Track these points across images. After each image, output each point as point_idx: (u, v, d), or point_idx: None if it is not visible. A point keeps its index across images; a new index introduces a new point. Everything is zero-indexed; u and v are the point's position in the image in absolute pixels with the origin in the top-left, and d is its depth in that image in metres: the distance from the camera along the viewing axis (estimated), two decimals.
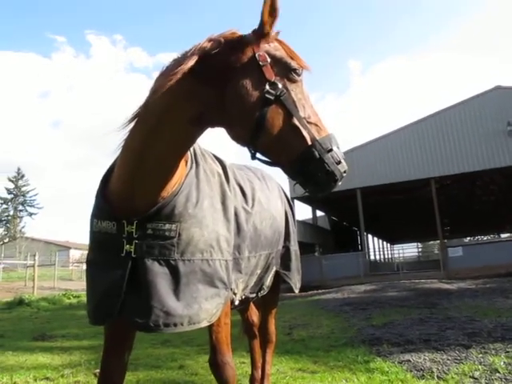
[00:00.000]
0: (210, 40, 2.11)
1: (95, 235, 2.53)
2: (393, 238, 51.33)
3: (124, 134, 2.42)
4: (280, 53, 2.14)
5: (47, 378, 5.60)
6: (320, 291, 19.61)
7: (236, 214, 3.02)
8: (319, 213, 34.76)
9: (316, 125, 2.10)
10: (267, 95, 2.04)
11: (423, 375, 4.96)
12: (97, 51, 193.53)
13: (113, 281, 2.41)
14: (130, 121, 2.34)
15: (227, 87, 2.09)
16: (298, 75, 2.14)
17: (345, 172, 2.06)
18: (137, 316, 2.48)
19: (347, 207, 30.85)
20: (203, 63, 2.07)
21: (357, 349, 6.58)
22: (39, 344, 8.12)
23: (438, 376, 4.88)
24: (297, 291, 4.05)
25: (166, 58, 2.33)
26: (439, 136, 26.60)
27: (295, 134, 2.06)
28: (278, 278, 3.90)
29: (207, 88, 2.11)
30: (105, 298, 2.49)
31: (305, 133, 2.05)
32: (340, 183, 2.07)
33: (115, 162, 2.55)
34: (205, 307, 2.57)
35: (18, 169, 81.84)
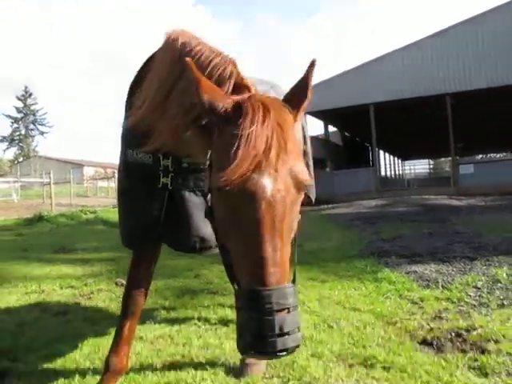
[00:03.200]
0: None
1: (131, 165, 2.59)
2: (404, 155, 50.99)
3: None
4: None
5: (72, 287, 5.96)
6: (331, 206, 19.93)
7: None
8: (331, 128, 34.38)
9: None
10: None
11: (428, 285, 5.19)
12: None
13: (151, 210, 2.56)
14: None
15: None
16: None
17: None
18: (174, 242, 2.67)
19: (360, 123, 30.38)
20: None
21: (366, 260, 6.84)
22: (61, 256, 8.53)
23: (442, 286, 5.11)
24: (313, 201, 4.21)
25: None
26: (456, 51, 25.41)
27: None
28: None
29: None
30: (142, 225, 2.64)
31: None
32: None
33: (137, 79, 2.50)
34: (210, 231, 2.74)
35: (26, 87, 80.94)
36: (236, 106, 1.63)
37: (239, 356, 3.23)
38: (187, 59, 1.70)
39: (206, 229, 2.52)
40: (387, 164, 43.82)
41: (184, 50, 2.00)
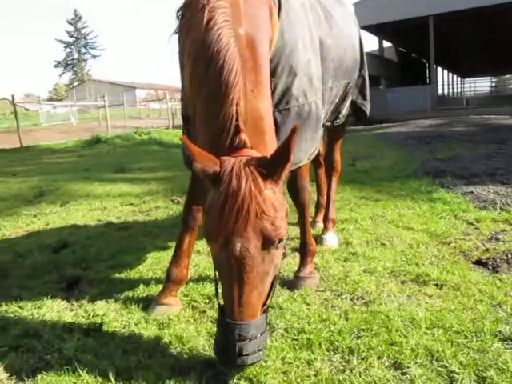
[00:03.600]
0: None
1: None
2: (464, 72, 47.84)
3: None
4: None
5: (131, 204, 6.27)
6: (384, 125, 19.31)
7: (321, 44, 3.04)
8: (386, 44, 32.54)
9: None
10: None
11: (485, 206, 5.04)
12: None
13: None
14: None
15: None
16: None
17: None
18: None
19: (417, 37, 28.51)
20: None
21: (420, 180, 6.69)
22: (120, 176, 8.90)
23: (500, 207, 4.94)
24: (367, 115, 4.15)
25: None
26: None
27: None
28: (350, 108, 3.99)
29: None
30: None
31: None
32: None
33: None
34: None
35: (75, 10, 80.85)
36: (221, 172, 1.89)
37: (293, 269, 3.37)
38: (181, 138, 2.01)
39: None
40: (445, 82, 41.41)
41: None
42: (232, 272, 1.88)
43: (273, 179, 1.92)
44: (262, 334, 1.99)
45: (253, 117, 2.14)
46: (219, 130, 2.07)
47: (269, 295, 2.04)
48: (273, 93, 2.67)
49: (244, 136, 2.05)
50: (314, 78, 2.90)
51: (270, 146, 2.20)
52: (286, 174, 1.98)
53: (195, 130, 2.33)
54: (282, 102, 2.75)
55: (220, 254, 1.92)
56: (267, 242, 1.88)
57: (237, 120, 2.05)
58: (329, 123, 3.71)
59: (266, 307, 2.05)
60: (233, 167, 1.88)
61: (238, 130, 2.05)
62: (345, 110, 3.86)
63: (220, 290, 2.06)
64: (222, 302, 2.03)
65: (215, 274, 2.11)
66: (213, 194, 1.92)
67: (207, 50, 2.15)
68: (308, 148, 2.95)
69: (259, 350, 1.98)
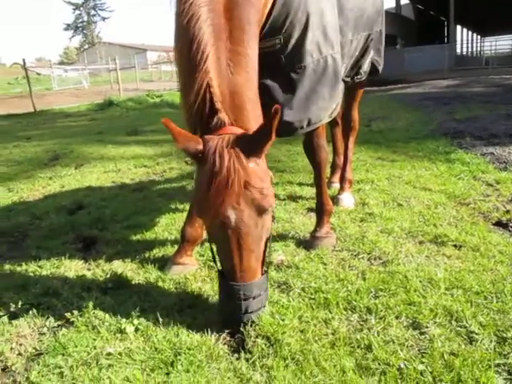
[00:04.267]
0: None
1: None
2: (485, 30, 46.10)
3: None
4: None
5: (145, 166, 6.25)
6: (400, 86, 18.84)
7: None
8: (403, 1, 31.49)
9: None
10: None
11: (506, 167, 4.91)
12: None
13: None
14: None
15: None
16: None
17: None
18: None
19: None
20: None
21: (437, 141, 6.54)
22: (133, 138, 8.86)
23: None
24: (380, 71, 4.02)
25: None
26: None
27: None
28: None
29: None
30: None
31: None
32: None
33: None
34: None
35: None
36: (205, 151, 1.91)
37: (309, 230, 3.34)
38: (163, 121, 1.90)
39: (288, 111, 2.67)
40: (464, 41, 40.10)
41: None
42: (230, 242, 1.98)
43: (255, 154, 1.96)
44: (264, 291, 2.16)
45: (231, 93, 2.07)
46: (197, 110, 2.04)
47: (265, 256, 2.15)
48: (283, 51, 2.58)
49: (223, 115, 2.01)
50: (328, 29, 2.73)
51: (253, 119, 2.13)
52: (267, 149, 2.00)
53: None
54: (295, 60, 2.64)
55: (216, 227, 2.00)
56: (259, 210, 1.97)
57: (211, 101, 2.00)
58: (348, 79, 3.57)
59: (265, 268, 2.18)
60: (216, 147, 1.90)
61: (215, 111, 2.01)
62: (366, 64, 3.70)
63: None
64: (219, 267, 2.17)
65: (210, 243, 2.28)
66: (199, 172, 1.97)
67: (180, 20, 2.08)
68: (327, 106, 2.85)
69: (263, 307, 2.18)
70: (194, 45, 2.01)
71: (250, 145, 1.93)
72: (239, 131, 2.01)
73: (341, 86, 3.01)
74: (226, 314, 2.21)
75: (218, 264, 2.19)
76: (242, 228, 1.96)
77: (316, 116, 2.77)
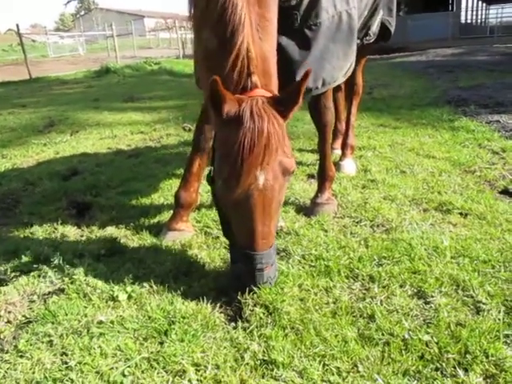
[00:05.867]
0: None
1: None
2: None
3: None
4: None
5: (142, 132, 6.10)
6: (403, 54, 18.48)
7: None
8: None
9: None
10: None
11: None
12: None
13: None
14: None
15: None
16: None
17: None
18: None
19: None
20: None
21: (441, 108, 6.39)
22: (130, 105, 8.66)
23: None
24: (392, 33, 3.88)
25: None
26: None
27: None
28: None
29: None
30: None
31: None
32: None
33: None
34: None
35: None
36: (240, 112, 1.86)
37: (310, 196, 3.23)
38: (213, 79, 1.78)
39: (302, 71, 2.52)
40: (468, 8, 39.07)
41: None
42: (255, 206, 1.91)
43: (284, 117, 1.95)
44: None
45: (261, 58, 2.06)
46: (230, 71, 2.01)
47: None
48: (299, 7, 2.47)
49: (255, 78, 2.01)
50: None
51: (275, 84, 2.15)
52: (293, 114, 2.00)
53: (198, 65, 2.26)
54: (310, 17, 2.53)
55: (244, 193, 1.89)
56: (285, 174, 1.96)
57: (248, 66, 1.99)
58: (358, 41, 3.41)
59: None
60: (252, 108, 1.87)
61: (249, 73, 2.00)
62: (375, 25, 3.53)
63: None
64: (239, 240, 2.03)
65: (221, 216, 2.18)
66: (230, 133, 1.87)
67: None
68: (342, 65, 2.74)
69: (276, 271, 2.16)
70: (229, 9, 1.97)
71: (280, 107, 1.92)
72: (268, 94, 1.99)
73: (355, 45, 2.87)
74: (242, 285, 2.08)
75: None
76: (269, 191, 1.91)
77: (330, 76, 2.66)
